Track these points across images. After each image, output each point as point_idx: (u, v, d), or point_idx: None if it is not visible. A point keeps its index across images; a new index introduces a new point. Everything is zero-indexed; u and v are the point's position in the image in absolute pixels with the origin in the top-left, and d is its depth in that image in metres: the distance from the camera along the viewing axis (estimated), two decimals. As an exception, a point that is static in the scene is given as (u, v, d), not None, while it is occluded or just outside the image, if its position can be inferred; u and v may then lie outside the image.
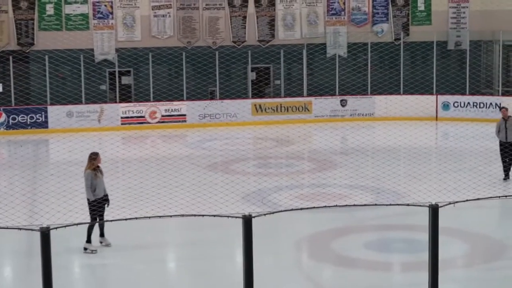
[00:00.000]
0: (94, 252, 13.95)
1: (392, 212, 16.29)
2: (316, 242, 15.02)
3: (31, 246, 14.26)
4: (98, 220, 14.02)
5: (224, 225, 11.17)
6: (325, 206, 15.93)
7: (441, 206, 8.41)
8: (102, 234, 14.25)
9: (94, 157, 14.38)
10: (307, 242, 15.01)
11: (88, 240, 13.92)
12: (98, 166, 14.35)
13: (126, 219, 8.58)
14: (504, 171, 19.80)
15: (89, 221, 14.08)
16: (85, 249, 13.92)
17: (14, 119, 32.04)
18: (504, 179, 19.67)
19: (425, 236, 8.91)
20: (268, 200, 17.62)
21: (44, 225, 7.39)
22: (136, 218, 8.70)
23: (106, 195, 14.42)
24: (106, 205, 14.27)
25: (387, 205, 16.49)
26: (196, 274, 12.87)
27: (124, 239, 14.66)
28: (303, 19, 35.99)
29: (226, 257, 13.82)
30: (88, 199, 14.20)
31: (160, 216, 8.61)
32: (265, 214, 8.38)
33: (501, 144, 19.76)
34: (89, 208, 14.18)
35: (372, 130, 30.61)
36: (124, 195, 18.29)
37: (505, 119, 19.64)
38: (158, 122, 33.16)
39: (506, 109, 20.20)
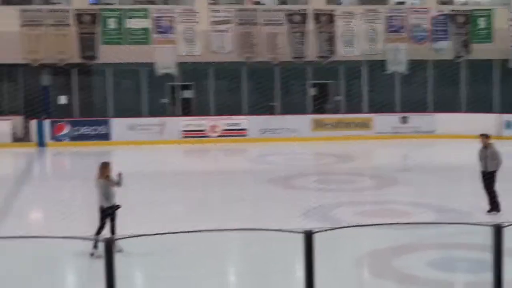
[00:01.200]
0: (100, 257, 14.22)
1: (455, 231, 16.06)
2: (377, 259, 14.89)
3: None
4: (109, 226, 14.43)
5: (285, 240, 11.17)
6: (387, 223, 15.87)
7: (504, 226, 8.28)
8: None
9: (105, 166, 14.66)
10: (368, 259, 14.89)
11: (95, 246, 14.18)
12: (108, 176, 14.57)
13: (187, 232, 8.64)
14: (489, 203, 17.74)
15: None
16: (92, 254, 14.16)
17: (78, 130, 32.55)
18: (489, 211, 17.61)
19: (489, 256, 8.79)
20: (329, 216, 17.54)
21: (108, 236, 7.45)
22: (200, 231, 8.76)
23: (114, 205, 14.69)
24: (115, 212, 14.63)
25: (450, 223, 16.29)
26: (255, 288, 12.88)
27: (185, 252, 14.74)
28: (362, 36, 35.86)
29: (285, 272, 13.78)
30: (101, 207, 14.51)
31: (221, 230, 8.65)
32: (326, 230, 8.36)
33: (482, 174, 17.84)
34: (101, 215, 14.49)
35: (433, 148, 30.32)
36: (186, 208, 18.41)
37: (486, 147, 17.82)
38: (219, 136, 33.34)
39: (487, 136, 17.94)
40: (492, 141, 17.99)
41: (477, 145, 17.88)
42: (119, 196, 16.42)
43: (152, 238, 8.45)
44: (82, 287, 13.40)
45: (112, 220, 14.54)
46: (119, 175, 14.80)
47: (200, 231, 8.74)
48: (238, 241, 15.86)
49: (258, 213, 17.42)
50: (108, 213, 14.41)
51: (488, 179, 17.78)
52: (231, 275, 14.30)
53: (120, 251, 14.44)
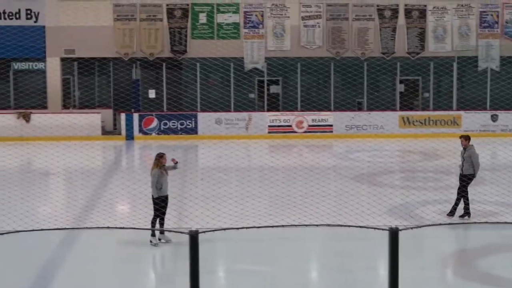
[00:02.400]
0: (156, 245, 14.61)
1: (544, 232, 15.72)
2: (462, 259, 14.67)
3: (178, 248, 14.62)
4: (161, 216, 14.70)
5: (369, 237, 11.11)
6: (473, 222, 15.61)
7: None
8: (161, 232, 14.73)
9: (160, 156, 14.97)
10: (453, 258, 14.68)
11: (152, 234, 14.61)
12: (163, 166, 14.89)
13: (272, 226, 8.68)
14: (464, 208, 17.06)
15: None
16: (150, 241, 14.62)
17: (165, 124, 33.01)
18: (461, 216, 16.95)
19: None
20: (415, 213, 17.35)
21: (193, 229, 7.54)
22: (283, 226, 8.79)
23: (167, 196, 14.98)
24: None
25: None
26: (337, 285, 12.83)
27: (268, 247, 14.81)
28: (454, 31, 35.31)
29: (369, 270, 13.70)
30: (152, 196, 14.82)
31: (306, 225, 8.65)
32: (412, 228, 8.27)
33: (460, 175, 17.27)
34: (154, 205, 14.81)
35: (524, 147, 29.61)
36: (271, 203, 18.48)
37: (464, 148, 17.21)
38: (305, 131, 33.33)
39: (466, 138, 17.29)
40: (471, 143, 17.26)
41: None
42: (205, 188, 16.68)
43: (235, 231, 8.50)
44: (167, 278, 13.59)
45: (163, 212, 14.83)
46: (174, 161, 15.17)
47: (283, 226, 8.77)
48: (321, 237, 15.84)
49: (342, 209, 17.34)
50: (159, 203, 14.69)
51: (463, 182, 17.08)
52: (313, 272, 14.29)
53: (168, 241, 14.72)
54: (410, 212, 17.72)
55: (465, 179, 17.06)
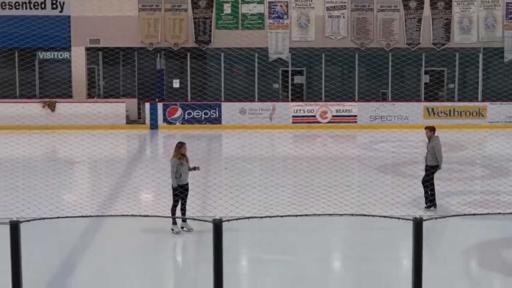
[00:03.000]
0: (178, 233, 14.68)
1: None
2: (485, 250, 14.60)
3: (201, 236, 14.68)
4: (181, 205, 14.82)
5: (393, 228, 11.12)
6: (497, 213, 15.53)
7: None
8: (184, 220, 14.90)
9: (180, 146, 15.02)
10: (477, 250, 14.62)
11: (174, 222, 14.69)
12: (184, 155, 14.95)
13: (296, 216, 8.69)
14: (428, 198, 17.03)
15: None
16: (172, 230, 14.70)
17: (189, 114, 33.10)
18: (427, 207, 16.87)
19: None
20: (439, 204, 17.29)
21: (217, 217, 7.57)
22: (307, 215, 8.79)
23: (187, 184, 15.03)
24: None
25: None
26: (360, 275, 12.82)
27: (291, 236, 14.83)
28: (480, 22, 35.07)
29: (393, 260, 13.69)
30: (172, 185, 14.87)
31: (330, 215, 8.65)
32: (436, 218, 8.26)
33: (425, 166, 17.20)
34: (173, 193, 14.87)
35: (550, 138, 29.41)
36: (295, 192, 18.51)
37: (429, 139, 17.14)
38: (329, 122, 33.29)
39: (431, 129, 17.23)
40: (436, 134, 17.15)
41: None
42: (228, 178, 16.73)
43: (259, 220, 8.52)
44: (189, 266, 13.66)
45: (183, 199, 14.93)
46: (197, 168, 15.25)
47: (307, 215, 8.78)
48: (344, 227, 15.83)
49: (366, 199, 17.32)
50: (178, 191, 14.74)
51: (427, 172, 16.99)
52: (336, 262, 14.30)
53: (190, 230, 14.77)
54: (434, 203, 17.65)
55: (430, 170, 16.97)
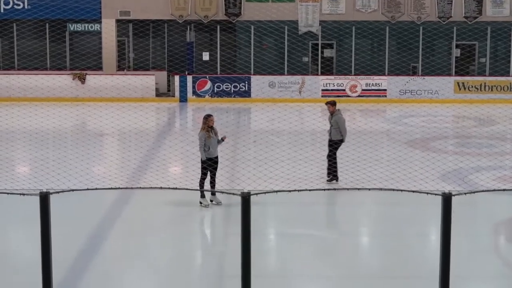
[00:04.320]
0: (206, 206, 14.70)
1: None
2: (515, 226, 14.52)
3: (229, 210, 14.72)
4: (210, 178, 14.81)
5: (422, 203, 11.06)
6: (528, 190, 15.39)
7: None
8: (213, 193, 14.83)
9: (206, 117, 14.96)
10: (506, 225, 14.53)
11: (202, 195, 14.67)
12: (211, 127, 14.92)
13: (324, 190, 8.68)
14: (329, 172, 16.95)
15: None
16: (200, 203, 14.70)
17: (219, 87, 33.10)
18: (329, 180, 16.69)
19: None
20: (469, 179, 17.19)
21: (245, 191, 7.56)
22: (335, 189, 8.79)
23: (217, 157, 15.00)
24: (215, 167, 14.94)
25: None
26: (388, 250, 12.80)
27: (321, 210, 14.84)
28: (513, -5, 34.62)
29: (421, 235, 13.65)
30: (200, 158, 14.87)
31: (358, 189, 8.63)
32: (465, 193, 8.20)
33: (328, 142, 17.13)
34: (201, 167, 14.85)
35: None
36: (323, 166, 18.44)
37: (331, 114, 16.99)
38: (358, 96, 33.15)
39: (332, 104, 17.11)
40: (338, 108, 17.03)
41: None
42: (257, 151, 16.75)
43: (287, 194, 8.51)
44: (218, 239, 13.71)
45: (212, 172, 14.90)
46: (223, 138, 15.19)
47: (335, 189, 8.77)
48: (373, 202, 15.79)
49: (395, 174, 17.25)
50: (206, 164, 14.73)
51: (331, 147, 16.91)
52: (364, 237, 14.29)
53: (219, 203, 14.79)
54: (463, 177, 17.57)
55: (334, 145, 16.91)
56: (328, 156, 16.93)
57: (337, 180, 16.73)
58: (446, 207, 7.65)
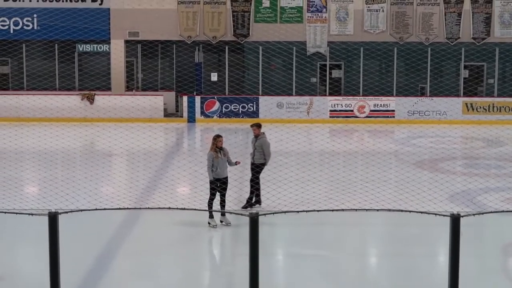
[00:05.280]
0: (214, 226, 14.66)
1: None
2: (524, 247, 14.46)
3: (238, 230, 14.70)
4: (220, 198, 14.80)
5: (430, 223, 11.04)
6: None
7: None
8: (222, 214, 14.82)
9: (215, 138, 14.97)
10: (515, 247, 14.48)
11: (210, 216, 14.67)
12: (221, 148, 14.92)
13: (332, 210, 8.69)
14: (252, 196, 16.46)
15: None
16: (209, 223, 14.70)
17: (227, 107, 33.17)
18: (253, 203, 16.31)
19: None
20: (477, 200, 17.16)
21: (253, 211, 7.57)
22: (343, 210, 8.79)
23: (226, 178, 14.94)
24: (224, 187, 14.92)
25: None
26: (396, 271, 12.78)
27: (329, 231, 14.82)
28: (521, 16, 34.67)
29: (429, 256, 13.62)
30: (209, 179, 14.84)
31: (366, 210, 8.65)
32: (474, 214, 8.20)
33: (251, 165, 16.57)
34: (210, 187, 14.80)
35: None
36: (332, 187, 18.48)
37: (256, 137, 16.38)
38: (366, 116, 33.16)
39: (258, 126, 16.46)
40: (263, 131, 16.50)
41: None
42: (265, 171, 16.74)
43: (295, 215, 8.53)
44: (226, 259, 13.70)
45: (221, 193, 14.89)
46: (237, 162, 15.23)
47: (343, 210, 8.77)
48: (381, 223, 15.78)
49: (403, 195, 17.23)
50: (214, 185, 14.71)
51: (253, 171, 16.34)
52: (373, 257, 14.26)
53: (228, 224, 14.78)
54: (472, 198, 17.53)
55: (256, 169, 16.39)
56: (251, 180, 16.39)
57: (260, 204, 16.30)
58: (455, 228, 7.66)
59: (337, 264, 13.10)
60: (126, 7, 34.43)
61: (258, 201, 16.43)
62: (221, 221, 14.85)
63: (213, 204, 14.78)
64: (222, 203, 14.90)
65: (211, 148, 14.90)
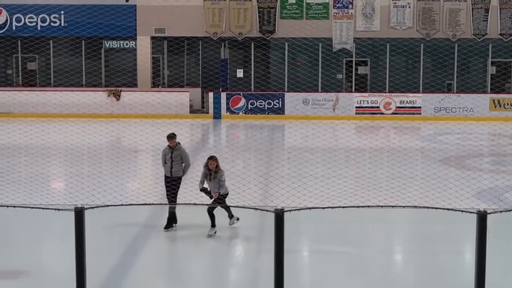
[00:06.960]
0: (237, 220, 14.34)
1: None
2: (552, 245, 14.32)
3: (263, 226, 14.68)
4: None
5: (456, 220, 10.97)
6: None
7: None
8: (229, 217, 14.33)
9: (208, 158, 14.25)
10: (543, 244, 14.35)
11: (213, 225, 14.03)
12: (215, 171, 14.13)
13: (358, 207, 8.65)
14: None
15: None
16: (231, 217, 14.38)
17: (252, 104, 33.17)
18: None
19: None
20: (504, 197, 17.02)
21: (279, 207, 7.56)
22: (369, 206, 8.75)
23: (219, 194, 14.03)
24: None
25: None
26: (422, 268, 12.70)
27: (355, 227, 14.76)
28: (550, 12, 34.38)
29: (456, 254, 13.53)
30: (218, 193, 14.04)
31: (392, 206, 8.60)
32: (501, 211, 8.13)
33: (165, 179, 14.94)
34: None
35: None
36: (357, 183, 18.41)
37: (171, 148, 14.87)
38: (392, 113, 33.02)
39: (172, 137, 14.91)
40: (178, 141, 15.21)
41: None
42: (291, 168, 16.72)
43: (321, 211, 8.51)
44: (251, 256, 13.69)
45: (221, 205, 14.18)
46: (213, 195, 14.15)
47: (369, 206, 8.74)
48: (407, 220, 15.71)
49: (429, 191, 17.13)
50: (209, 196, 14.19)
51: (174, 185, 14.79)
52: (398, 254, 14.19)
53: (237, 220, 14.63)
54: (499, 195, 17.40)
55: (174, 182, 14.88)
56: (173, 195, 14.74)
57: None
58: (481, 225, 7.60)
59: (362, 261, 13.04)
60: (152, 4, 34.52)
61: (175, 220, 14.71)
62: (230, 224, 14.48)
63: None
64: (226, 209, 14.38)
65: (205, 166, 14.46)
